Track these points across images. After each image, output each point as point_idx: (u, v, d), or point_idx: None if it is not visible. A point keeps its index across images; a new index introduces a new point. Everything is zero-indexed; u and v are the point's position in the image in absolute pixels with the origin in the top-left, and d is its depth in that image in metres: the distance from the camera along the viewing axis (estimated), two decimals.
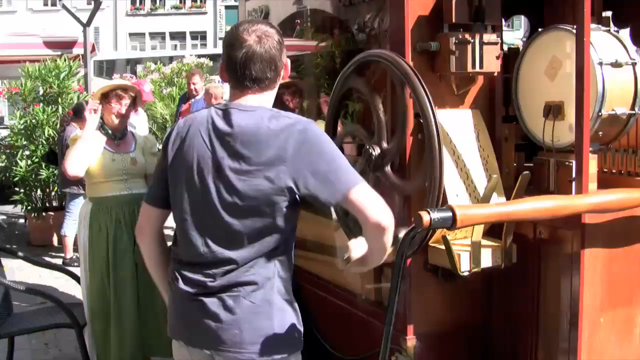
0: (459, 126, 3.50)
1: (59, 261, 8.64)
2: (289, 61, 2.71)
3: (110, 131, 4.78)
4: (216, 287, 2.61)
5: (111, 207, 4.68)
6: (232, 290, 2.60)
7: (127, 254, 4.62)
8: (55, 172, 9.45)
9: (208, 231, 2.62)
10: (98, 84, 5.02)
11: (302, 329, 2.74)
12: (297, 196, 2.55)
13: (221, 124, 2.59)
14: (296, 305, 2.74)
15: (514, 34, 18.90)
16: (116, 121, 4.75)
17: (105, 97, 4.76)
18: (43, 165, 9.66)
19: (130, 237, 4.61)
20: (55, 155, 8.95)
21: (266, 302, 2.61)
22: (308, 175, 2.51)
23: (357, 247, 2.58)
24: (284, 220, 2.59)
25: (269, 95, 2.67)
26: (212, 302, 2.61)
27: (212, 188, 2.57)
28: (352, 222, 3.72)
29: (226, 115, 2.59)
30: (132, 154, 4.79)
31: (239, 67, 2.57)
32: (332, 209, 3.89)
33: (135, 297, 4.65)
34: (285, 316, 2.67)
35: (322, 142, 2.57)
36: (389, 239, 2.49)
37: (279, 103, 4.55)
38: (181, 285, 2.68)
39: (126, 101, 4.77)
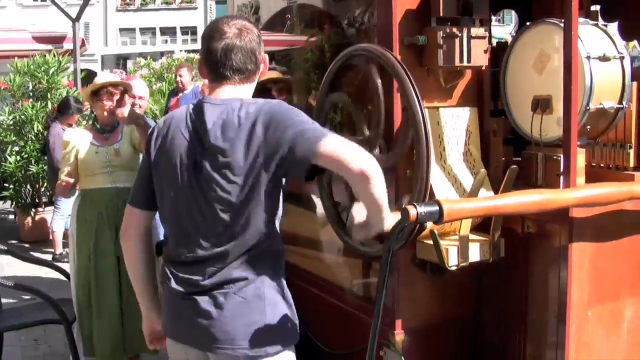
0: (453, 125, 3.50)
1: (48, 257, 8.62)
2: (267, 57, 2.72)
3: (99, 126, 4.82)
4: (207, 285, 2.60)
5: (95, 201, 4.71)
6: (223, 287, 2.59)
7: (108, 249, 4.64)
8: (44, 167, 9.43)
9: (197, 230, 2.61)
10: (103, 77, 5.02)
11: (296, 321, 2.73)
12: (277, 176, 2.53)
13: (196, 121, 2.58)
14: (289, 297, 2.73)
15: (504, 28, 18.89)
16: (108, 117, 4.77)
17: (96, 94, 4.77)
18: (32, 161, 9.64)
19: (112, 231, 4.63)
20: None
21: (257, 297, 2.60)
22: (280, 147, 2.46)
23: (357, 212, 2.51)
24: (271, 209, 2.59)
25: (248, 88, 2.67)
26: (203, 300, 2.60)
27: (196, 186, 2.56)
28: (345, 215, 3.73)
29: (199, 111, 2.59)
30: (116, 145, 4.80)
31: (219, 57, 2.57)
32: (322, 203, 3.89)
33: (116, 292, 4.66)
34: (277, 309, 2.66)
35: (284, 110, 2.54)
36: (377, 188, 2.36)
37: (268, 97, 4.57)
38: (173, 284, 2.68)
39: (117, 97, 4.78)
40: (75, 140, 4.79)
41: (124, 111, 4.57)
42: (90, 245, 4.67)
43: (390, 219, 2.48)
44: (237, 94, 2.61)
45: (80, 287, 4.72)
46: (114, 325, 4.67)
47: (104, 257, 4.65)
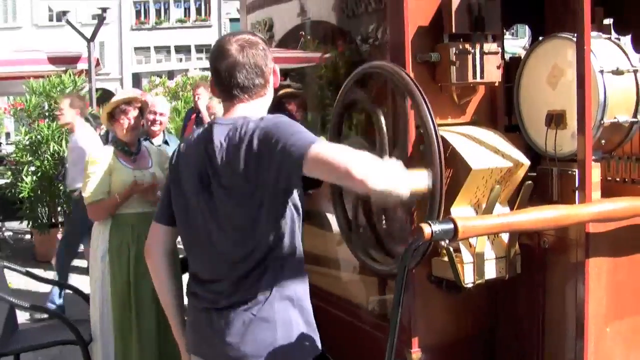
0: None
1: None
2: (277, 67, 2.71)
3: (125, 147, 4.77)
4: (222, 303, 2.63)
5: (133, 224, 4.64)
6: (238, 305, 2.61)
7: (148, 272, 4.59)
8: (61, 187, 9.49)
9: (207, 251, 2.65)
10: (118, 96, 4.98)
11: (315, 337, 2.74)
12: (280, 189, 2.51)
13: (207, 142, 2.60)
14: (308, 313, 2.74)
15: (518, 42, 18.86)
16: (128, 135, 4.74)
17: (112, 116, 4.76)
18: (49, 181, 9.68)
19: None
20: None
21: (268, 314, 2.61)
22: (275, 157, 2.43)
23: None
24: (281, 225, 2.59)
25: (261, 102, 2.68)
26: (218, 317, 2.63)
27: (206, 206, 2.59)
28: (356, 235, 3.72)
29: (210, 131, 2.61)
30: (151, 170, 4.77)
31: (224, 77, 2.59)
32: (336, 221, 3.88)
33: (156, 318, 4.58)
34: (290, 327, 2.66)
35: (280, 122, 2.51)
36: (379, 181, 2.26)
37: (284, 114, 4.57)
38: (194, 300, 2.73)
39: (133, 113, 4.74)
40: (106, 158, 4.70)
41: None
42: (129, 270, 4.62)
43: (412, 182, 2.42)
44: (249, 111, 2.62)
45: (117, 312, 4.67)
46: (152, 349, 4.63)
47: (144, 280, 4.51)
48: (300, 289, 2.71)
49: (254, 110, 2.63)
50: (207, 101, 8.49)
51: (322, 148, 2.33)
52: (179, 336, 2.90)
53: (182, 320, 2.88)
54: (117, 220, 4.70)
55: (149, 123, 6.25)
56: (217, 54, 2.61)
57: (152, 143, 6.32)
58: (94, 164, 4.69)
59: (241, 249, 2.57)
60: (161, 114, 6.22)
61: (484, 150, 3.34)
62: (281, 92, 4.88)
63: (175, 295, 2.88)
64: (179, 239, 2.84)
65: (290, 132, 2.43)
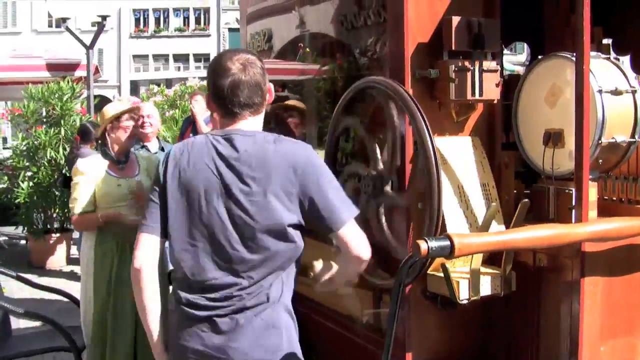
0: (459, 154, 3.49)
1: (58, 282, 8.62)
2: (272, 86, 2.81)
3: (115, 157, 4.78)
4: (228, 310, 2.64)
5: (117, 233, 4.64)
6: (243, 310, 2.64)
7: (129, 282, 4.56)
8: (57, 193, 9.47)
9: (219, 256, 2.65)
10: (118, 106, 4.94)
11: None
12: (302, 217, 2.66)
13: (226, 150, 2.65)
14: (295, 320, 2.81)
15: (517, 57, 18.93)
16: (124, 144, 4.77)
17: (111, 121, 4.77)
18: (45, 187, 9.67)
19: None
20: (69, 180, 8.92)
21: (276, 320, 2.67)
22: (315, 200, 2.63)
23: (324, 270, 2.97)
24: (292, 239, 2.67)
25: (259, 120, 2.77)
26: (223, 322, 2.65)
27: (223, 212, 2.62)
28: None
29: (229, 141, 2.66)
30: (137, 178, 4.76)
31: (226, 94, 2.66)
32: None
33: (133, 328, 4.58)
34: (291, 333, 2.74)
35: (326, 170, 2.72)
36: (362, 269, 2.82)
37: (282, 126, 4.58)
38: (191, 309, 2.69)
39: (131, 122, 4.79)
40: (93, 171, 4.71)
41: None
42: (112, 276, 4.62)
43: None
44: (248, 127, 2.71)
45: (95, 318, 4.66)
46: (128, 356, 4.61)
47: (124, 290, 4.47)
48: (290, 297, 2.79)
49: (252, 126, 2.73)
50: (204, 112, 8.50)
51: (352, 232, 2.70)
52: (160, 354, 2.82)
53: (165, 338, 2.80)
54: (101, 230, 4.70)
55: (140, 126, 6.30)
56: (219, 71, 2.68)
57: (149, 150, 6.36)
58: (79, 175, 4.72)
59: (255, 255, 2.62)
60: (149, 116, 6.32)
61: (464, 222, 3.38)
62: (284, 103, 4.89)
63: (162, 308, 2.80)
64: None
65: (333, 187, 2.71)
